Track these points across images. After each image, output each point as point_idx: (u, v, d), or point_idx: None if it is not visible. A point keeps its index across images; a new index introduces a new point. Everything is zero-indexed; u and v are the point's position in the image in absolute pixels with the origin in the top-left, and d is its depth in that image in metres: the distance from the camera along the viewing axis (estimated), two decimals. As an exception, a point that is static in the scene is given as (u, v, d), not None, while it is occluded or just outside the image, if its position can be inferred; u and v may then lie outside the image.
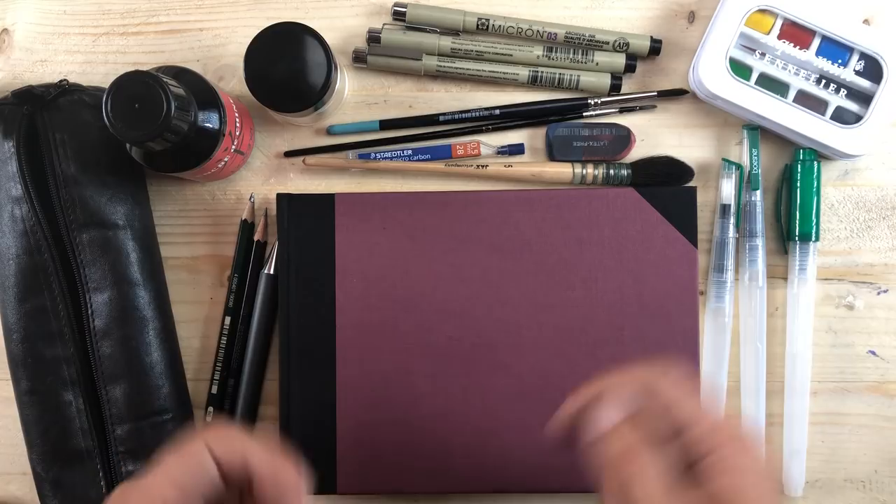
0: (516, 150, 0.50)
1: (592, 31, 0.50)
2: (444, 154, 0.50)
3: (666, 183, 0.50)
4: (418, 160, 0.50)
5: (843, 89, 0.48)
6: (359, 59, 0.50)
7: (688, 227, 0.48)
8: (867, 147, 0.48)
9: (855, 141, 0.48)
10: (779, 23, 0.48)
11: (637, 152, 0.50)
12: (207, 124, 0.44)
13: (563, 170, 0.50)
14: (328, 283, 0.48)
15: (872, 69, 0.48)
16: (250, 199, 0.51)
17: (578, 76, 0.50)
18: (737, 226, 0.49)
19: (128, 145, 0.44)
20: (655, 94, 0.50)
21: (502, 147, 0.51)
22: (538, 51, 0.50)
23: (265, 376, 0.51)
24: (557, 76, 0.50)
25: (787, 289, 0.50)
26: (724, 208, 0.49)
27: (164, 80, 0.40)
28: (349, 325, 0.48)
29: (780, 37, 0.48)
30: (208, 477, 0.33)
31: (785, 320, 0.50)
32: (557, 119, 0.50)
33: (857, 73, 0.48)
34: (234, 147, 0.47)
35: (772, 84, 0.48)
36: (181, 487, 0.32)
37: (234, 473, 0.34)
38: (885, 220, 0.50)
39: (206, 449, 0.33)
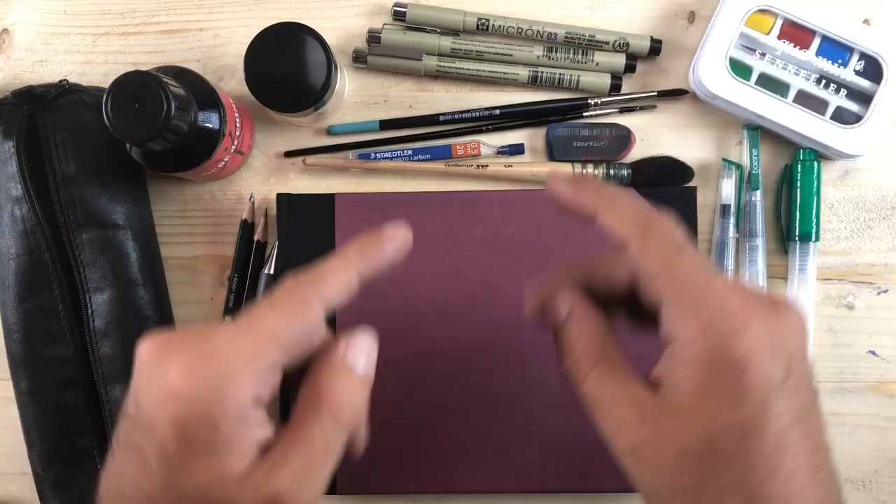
0: (516, 150, 0.50)
1: (592, 31, 0.50)
2: (444, 154, 0.50)
3: (666, 183, 0.50)
4: (418, 160, 0.50)
5: (843, 89, 0.48)
6: (359, 59, 0.50)
7: (688, 227, 0.48)
8: (867, 147, 0.48)
9: (855, 141, 0.48)
10: (779, 23, 0.48)
11: (637, 152, 0.50)
12: (207, 124, 0.44)
13: (563, 170, 0.50)
14: (328, 283, 0.48)
15: (872, 69, 0.48)
16: (250, 199, 0.51)
17: (578, 76, 0.50)
18: (737, 226, 0.49)
19: (128, 145, 0.44)
20: (655, 94, 0.50)
21: (502, 147, 0.51)
22: (538, 51, 0.50)
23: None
24: (557, 76, 0.50)
25: (787, 289, 0.50)
26: (724, 208, 0.49)
27: (164, 80, 0.40)
28: (349, 325, 0.48)
29: (780, 37, 0.48)
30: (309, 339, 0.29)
31: (785, 320, 0.50)
32: (557, 119, 0.50)
33: (857, 73, 0.48)
34: (234, 147, 0.47)
35: (772, 84, 0.48)
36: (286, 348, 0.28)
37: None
38: (885, 220, 0.50)
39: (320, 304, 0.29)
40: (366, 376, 0.31)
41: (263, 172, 0.51)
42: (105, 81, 0.49)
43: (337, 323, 0.48)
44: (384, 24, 0.50)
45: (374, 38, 0.50)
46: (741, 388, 0.26)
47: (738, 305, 0.27)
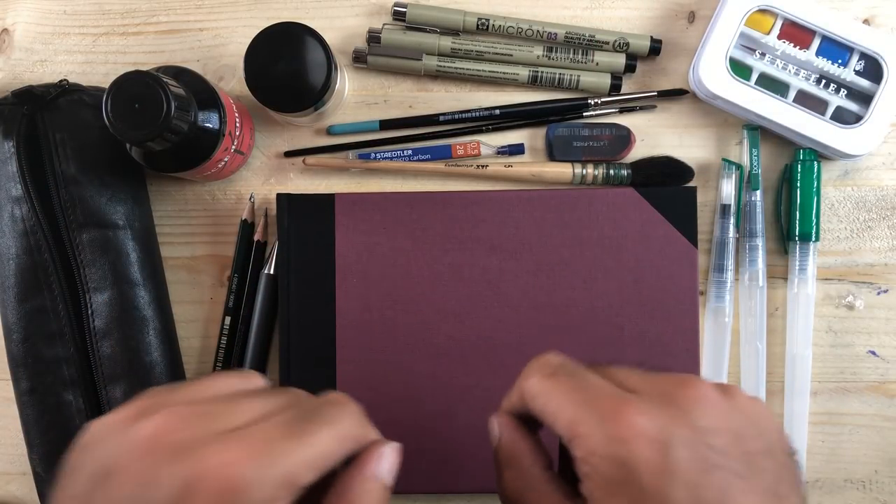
0: (516, 150, 0.50)
1: (592, 31, 0.50)
2: (444, 154, 0.50)
3: (666, 183, 0.50)
4: (418, 160, 0.50)
5: (843, 89, 0.48)
6: (359, 59, 0.50)
7: (688, 227, 0.48)
8: (867, 147, 0.48)
9: (855, 141, 0.48)
10: (779, 23, 0.48)
11: (637, 152, 0.50)
12: (207, 124, 0.44)
13: (563, 170, 0.50)
14: (328, 283, 0.48)
15: (872, 69, 0.48)
16: (250, 199, 0.51)
17: (578, 76, 0.50)
18: (737, 226, 0.49)
19: (128, 145, 0.44)
20: (655, 94, 0.50)
21: (502, 147, 0.51)
22: (538, 51, 0.50)
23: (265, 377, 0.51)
24: (557, 76, 0.50)
25: (787, 289, 0.50)
26: (724, 208, 0.49)
27: (164, 80, 0.40)
28: (349, 325, 0.48)
29: (780, 37, 0.48)
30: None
31: (785, 320, 0.50)
32: (557, 119, 0.50)
33: (857, 73, 0.48)
34: (234, 147, 0.47)
35: (772, 84, 0.48)
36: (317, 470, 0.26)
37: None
38: (885, 220, 0.50)
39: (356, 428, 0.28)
40: (390, 490, 0.31)
41: (263, 172, 0.51)
42: (105, 81, 0.48)
43: (337, 323, 0.48)
44: (384, 24, 0.50)
45: (374, 38, 0.50)
46: (638, 485, 0.26)
47: (610, 405, 0.27)
